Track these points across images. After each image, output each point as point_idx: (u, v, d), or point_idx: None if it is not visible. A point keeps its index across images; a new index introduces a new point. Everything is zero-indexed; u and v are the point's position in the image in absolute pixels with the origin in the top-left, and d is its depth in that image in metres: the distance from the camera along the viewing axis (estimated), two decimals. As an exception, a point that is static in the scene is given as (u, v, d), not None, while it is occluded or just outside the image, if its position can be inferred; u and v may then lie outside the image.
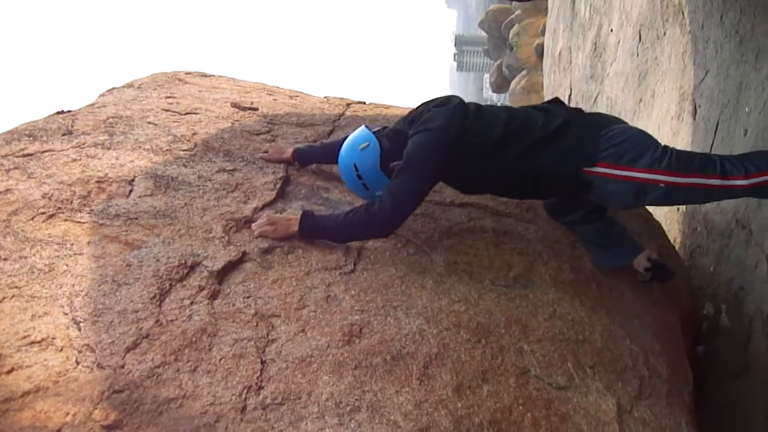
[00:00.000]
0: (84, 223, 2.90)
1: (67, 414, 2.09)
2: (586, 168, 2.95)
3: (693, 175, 2.86)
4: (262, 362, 2.35)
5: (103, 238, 2.82)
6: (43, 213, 2.91)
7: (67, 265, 2.67)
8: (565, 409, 2.50)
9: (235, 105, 4.11)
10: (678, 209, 4.79)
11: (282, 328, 2.51)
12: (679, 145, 5.02)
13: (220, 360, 2.34)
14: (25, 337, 2.33)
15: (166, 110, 3.92)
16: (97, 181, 3.15)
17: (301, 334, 2.49)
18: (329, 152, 3.33)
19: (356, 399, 2.29)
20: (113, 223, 2.90)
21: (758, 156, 2.93)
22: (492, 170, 3.02)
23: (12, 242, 2.74)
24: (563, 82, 9.81)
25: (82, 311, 2.47)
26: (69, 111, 3.94)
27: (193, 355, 2.34)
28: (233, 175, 3.34)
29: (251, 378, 2.28)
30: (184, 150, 3.48)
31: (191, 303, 2.55)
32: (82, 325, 2.41)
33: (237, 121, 3.87)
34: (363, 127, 3.18)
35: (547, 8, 12.57)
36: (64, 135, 3.56)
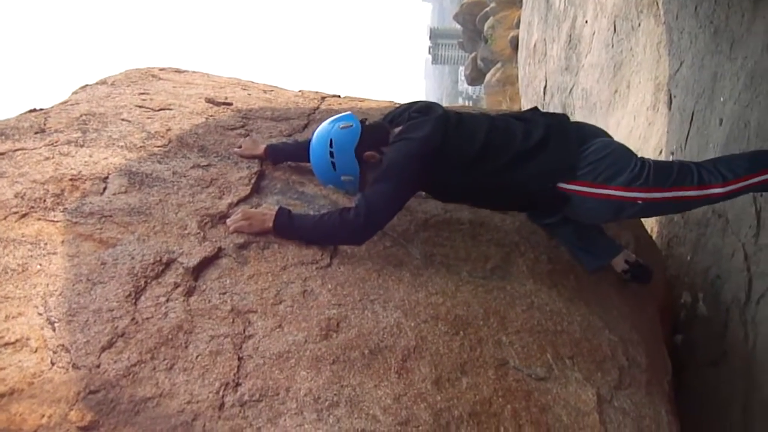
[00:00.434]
0: (57, 221, 2.86)
1: (43, 416, 2.06)
2: (564, 184, 2.91)
3: (671, 189, 2.85)
4: (239, 359, 2.34)
5: (77, 237, 2.78)
6: (15, 212, 2.87)
7: (40, 264, 2.63)
8: (545, 400, 2.50)
9: (209, 100, 4.08)
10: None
11: (259, 323, 2.49)
12: (654, 135, 5.04)
13: (197, 357, 2.32)
14: (-2, 339, 2.30)
15: (140, 107, 3.88)
16: (71, 179, 3.11)
17: (278, 330, 2.47)
18: (302, 150, 3.25)
19: (335, 394, 2.28)
20: (87, 222, 2.86)
21: (734, 161, 2.92)
22: (471, 182, 2.97)
23: (-16, 242, 2.70)
24: (538, 74, 9.84)
25: (57, 311, 2.43)
26: (41, 109, 3.89)
27: (169, 353, 2.32)
28: (208, 170, 3.32)
29: (228, 375, 2.27)
30: (158, 146, 3.45)
31: (167, 300, 2.53)
32: (56, 325, 2.38)
33: (211, 116, 3.84)
34: (348, 112, 3.16)
35: (521, 1, 12.61)
36: (36, 133, 3.51)
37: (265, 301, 2.59)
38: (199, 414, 2.13)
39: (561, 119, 3.16)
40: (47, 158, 3.24)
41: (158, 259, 2.69)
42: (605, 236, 3.44)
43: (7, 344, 2.28)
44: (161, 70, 4.61)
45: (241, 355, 2.35)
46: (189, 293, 2.58)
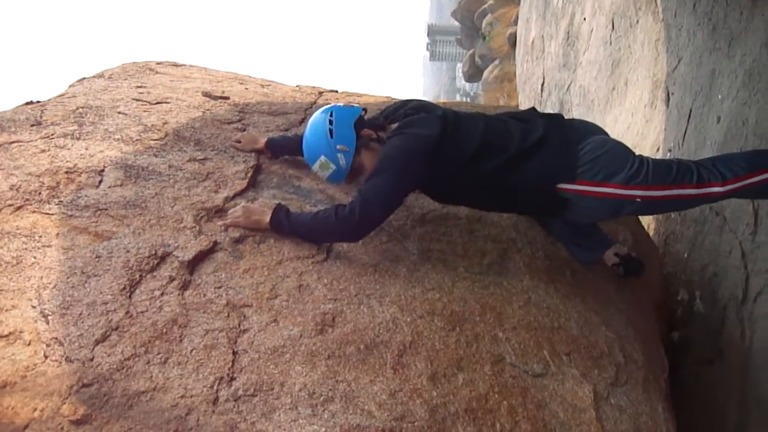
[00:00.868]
0: (53, 214, 2.85)
1: (35, 409, 2.06)
2: (564, 185, 2.88)
3: (670, 187, 2.83)
4: (234, 353, 2.33)
5: (72, 230, 2.77)
6: (10, 205, 2.86)
7: (35, 257, 2.62)
8: (542, 396, 2.50)
9: (206, 94, 4.06)
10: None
11: (254, 318, 2.49)
12: (652, 132, 5.03)
13: (191, 351, 2.31)
14: (-8, 332, 2.29)
15: (137, 100, 3.87)
16: (66, 172, 3.09)
17: (273, 324, 2.46)
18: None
19: (329, 389, 2.28)
20: (82, 215, 2.85)
21: (733, 160, 2.90)
22: (468, 183, 2.94)
23: (-21, 235, 2.69)
24: (536, 71, 9.83)
25: (51, 304, 2.42)
26: (38, 101, 3.88)
27: (163, 347, 2.31)
28: (204, 164, 3.30)
29: (223, 369, 2.26)
30: (154, 139, 3.43)
31: (162, 294, 2.52)
32: (50, 318, 2.37)
33: (208, 110, 3.83)
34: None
35: (520, -2, 12.60)
36: (32, 126, 3.50)
37: (261, 296, 2.58)
38: (192, 408, 2.12)
39: (558, 119, 3.13)
40: (43, 151, 3.23)
41: (153, 252, 2.68)
42: (598, 230, 3.43)
43: (0, 337, 2.27)
44: (158, 63, 4.60)
45: (235, 350, 2.34)
46: (184, 287, 2.58)
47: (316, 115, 3.05)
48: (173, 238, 2.79)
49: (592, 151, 2.87)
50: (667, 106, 4.79)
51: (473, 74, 20.53)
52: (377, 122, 3.09)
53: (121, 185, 3.05)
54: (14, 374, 2.15)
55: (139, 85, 4.12)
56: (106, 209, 2.89)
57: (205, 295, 2.55)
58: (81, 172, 3.11)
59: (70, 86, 4.20)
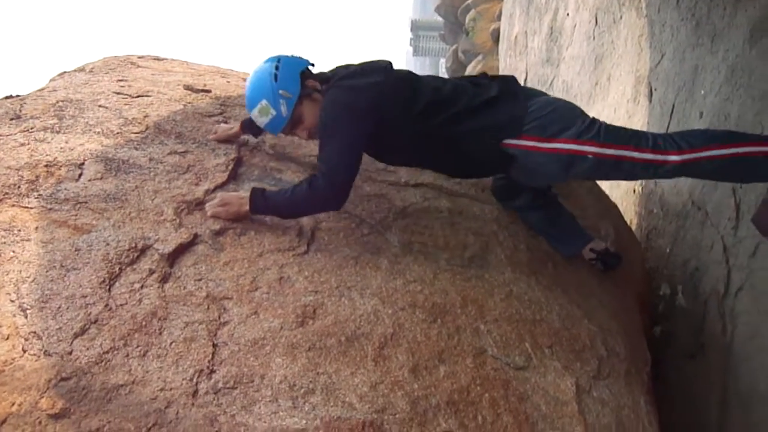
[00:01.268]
0: (32, 208, 2.83)
1: (13, 404, 2.04)
2: (510, 140, 2.86)
3: (623, 147, 2.78)
4: (214, 345, 2.31)
5: (51, 223, 2.75)
6: (-11, 199, 2.84)
7: (13, 251, 2.60)
8: (524, 389, 2.49)
9: (187, 87, 4.04)
10: (634, 190, 4.82)
11: (234, 310, 2.47)
12: (635, 127, 5.04)
13: (171, 344, 2.29)
14: (-31, 326, 2.27)
15: (118, 93, 3.84)
16: (46, 166, 3.07)
17: (253, 317, 2.45)
18: None
19: (310, 381, 2.26)
20: (62, 208, 2.83)
21: (692, 134, 2.87)
22: (415, 137, 2.92)
23: (-43, 230, 2.67)
24: (519, 66, 9.84)
25: (29, 298, 2.40)
26: (17, 95, 3.85)
27: (143, 340, 2.29)
28: (185, 157, 3.28)
29: (203, 362, 2.24)
30: (135, 133, 3.41)
31: (141, 287, 2.50)
32: (28, 312, 2.35)
33: (189, 103, 3.80)
34: None
35: (503, -7, 12.58)
36: (11, 119, 3.47)
37: (241, 288, 2.57)
38: (172, 401, 2.11)
39: (509, 80, 3.12)
40: (22, 144, 3.20)
41: (133, 245, 2.66)
42: (576, 225, 3.44)
43: (-22, 332, 2.26)
44: (140, 57, 4.57)
45: (215, 342, 2.33)
46: (164, 280, 2.56)
47: (263, 61, 3.04)
48: (153, 231, 2.77)
49: (541, 108, 2.87)
50: (650, 101, 4.80)
51: (456, 69, 20.50)
52: (324, 76, 3.07)
53: (101, 178, 3.03)
54: (-8, 368, 2.14)
55: (120, 78, 4.09)
56: (85, 202, 2.87)
57: (185, 288, 2.53)
58: (61, 166, 3.08)
59: (50, 80, 4.17)
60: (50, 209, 2.81)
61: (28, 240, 2.66)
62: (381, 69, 2.99)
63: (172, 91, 3.96)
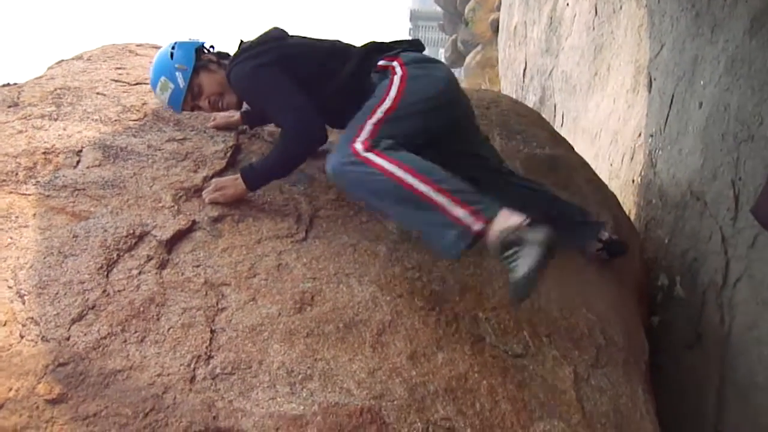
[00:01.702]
0: (30, 195, 2.82)
1: (10, 389, 2.04)
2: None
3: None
4: (212, 331, 2.31)
5: (49, 210, 2.75)
6: (-14, 186, 2.84)
7: (11, 238, 2.60)
8: (522, 376, 2.49)
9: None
10: (633, 181, 4.81)
11: (232, 296, 2.47)
12: (634, 118, 5.04)
13: (169, 330, 2.29)
14: (-33, 312, 2.27)
15: (116, 81, 3.83)
16: (44, 153, 3.07)
17: (251, 303, 2.45)
18: None
19: (308, 367, 2.26)
20: (60, 195, 2.83)
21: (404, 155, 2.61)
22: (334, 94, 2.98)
23: (-46, 216, 2.67)
24: (518, 56, 9.82)
25: (27, 284, 2.40)
26: (15, 84, 3.84)
27: (140, 326, 2.29)
28: (183, 144, 3.27)
29: (200, 347, 2.24)
30: (133, 120, 3.41)
31: (139, 273, 2.50)
32: (26, 298, 2.35)
33: (188, 90, 3.79)
34: None
35: (503, -17, 12.56)
36: (9, 107, 3.46)
37: (239, 274, 2.56)
38: (169, 387, 2.11)
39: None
40: (20, 131, 3.20)
41: (131, 231, 2.66)
42: (582, 212, 3.41)
43: (-25, 318, 2.26)
44: (138, 45, 4.55)
45: (213, 328, 2.33)
46: (162, 266, 2.56)
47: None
48: (151, 217, 2.76)
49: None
50: (650, 91, 4.79)
51: (455, 60, 20.48)
52: (222, 53, 3.26)
53: (99, 165, 3.02)
54: (-11, 354, 2.13)
55: (119, 66, 4.08)
56: (83, 189, 2.87)
57: (183, 274, 2.53)
58: (59, 153, 3.08)
59: (48, 68, 4.16)
60: (48, 196, 2.81)
61: (26, 226, 2.66)
62: (273, 34, 3.13)
63: (170, 79, 3.95)
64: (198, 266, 2.58)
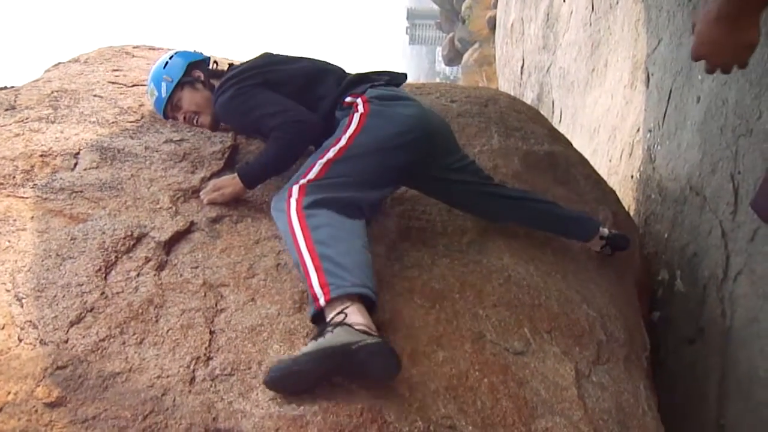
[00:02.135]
0: (27, 198, 2.82)
1: (9, 393, 2.03)
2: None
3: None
4: (211, 332, 2.30)
5: (47, 213, 2.74)
6: (-16, 189, 2.83)
7: (9, 241, 2.59)
8: (523, 374, 2.48)
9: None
10: (632, 176, 4.81)
11: (231, 297, 2.46)
12: (632, 113, 5.04)
13: (168, 331, 2.28)
14: (-35, 316, 2.26)
15: (113, 83, 3.83)
16: (41, 155, 3.06)
17: (250, 303, 2.44)
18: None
19: (308, 368, 2.24)
20: (57, 197, 2.83)
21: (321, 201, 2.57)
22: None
23: (-49, 221, 2.66)
24: (515, 53, 9.83)
25: (25, 287, 2.39)
26: (12, 87, 3.84)
27: (139, 328, 2.28)
28: (181, 145, 3.27)
29: (199, 349, 2.23)
30: (130, 122, 3.40)
31: (138, 275, 2.49)
32: (24, 301, 2.34)
33: (185, 92, 3.79)
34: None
35: (499, -19, 12.56)
36: (6, 110, 3.46)
37: (238, 275, 2.55)
38: (169, 389, 2.09)
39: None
40: (17, 135, 3.20)
41: (129, 233, 2.65)
42: (574, 211, 3.39)
43: (-27, 322, 2.25)
44: (135, 47, 4.55)
45: (212, 329, 2.31)
46: (160, 267, 2.55)
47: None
48: (149, 219, 2.76)
49: None
50: (647, 86, 4.79)
51: (453, 58, 20.54)
52: (217, 72, 3.34)
53: (96, 167, 3.02)
54: (-13, 358, 2.13)
55: (116, 68, 4.08)
56: (81, 191, 2.86)
57: (181, 275, 2.52)
58: (56, 155, 3.08)
59: (45, 71, 4.16)
60: (46, 199, 2.81)
61: (24, 230, 2.65)
62: (258, 62, 3.18)
63: (167, 80, 3.95)
64: (196, 267, 2.57)
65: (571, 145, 4.27)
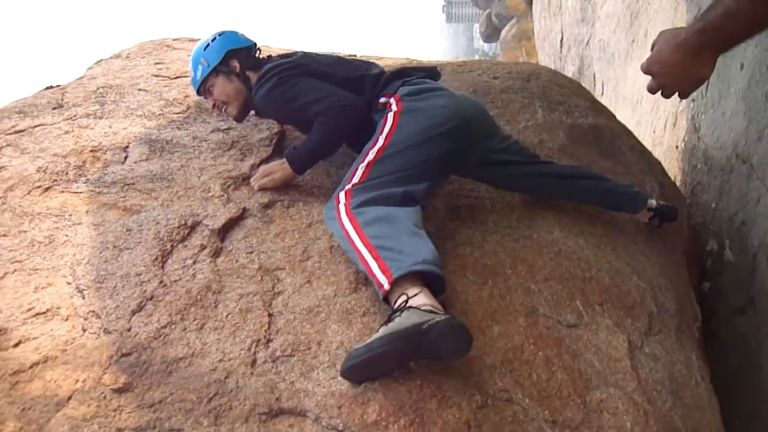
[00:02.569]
0: (81, 192, 2.89)
1: (77, 381, 2.09)
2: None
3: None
4: (270, 315, 2.34)
5: (101, 206, 2.81)
6: (39, 186, 2.91)
7: (66, 235, 2.66)
8: (576, 346, 2.49)
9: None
10: (677, 147, 4.77)
11: (287, 280, 2.49)
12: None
13: (227, 316, 2.33)
14: (29, 310, 2.34)
15: (156, 76, 3.89)
16: (91, 151, 3.13)
17: (307, 285, 2.47)
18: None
19: (366, 346, 2.26)
20: (110, 191, 2.89)
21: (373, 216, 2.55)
22: None
23: (10, 218, 2.74)
24: (554, 27, 9.74)
25: (85, 279, 2.46)
26: (58, 86, 3.91)
27: (199, 313, 2.33)
28: (228, 133, 3.31)
29: (259, 332, 2.27)
30: (176, 113, 3.46)
31: (194, 262, 2.54)
32: (85, 292, 2.41)
33: (229, 81, 3.83)
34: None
35: (535, -45, 12.44)
36: (54, 109, 3.53)
37: (293, 258, 2.59)
38: (231, 371, 2.14)
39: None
40: (67, 132, 3.27)
41: (183, 222, 2.70)
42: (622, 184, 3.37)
43: (38, 314, 2.33)
44: (175, 40, 4.60)
45: (271, 312, 2.35)
46: (216, 254, 2.60)
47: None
48: (202, 207, 2.81)
49: None
50: (689, 55, 4.72)
51: (491, 34, 20.36)
52: (255, 63, 3.29)
53: (146, 159, 3.08)
54: (54, 349, 2.19)
55: (158, 61, 4.13)
56: (133, 184, 2.92)
57: (237, 261, 2.57)
58: (106, 150, 3.14)
59: (88, 69, 4.23)
60: (99, 192, 2.87)
61: (80, 224, 2.72)
62: (296, 59, 3.16)
63: (210, 71, 3.99)
64: (251, 252, 2.61)
65: (615, 117, 4.24)
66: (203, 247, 2.60)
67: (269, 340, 2.25)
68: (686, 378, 2.70)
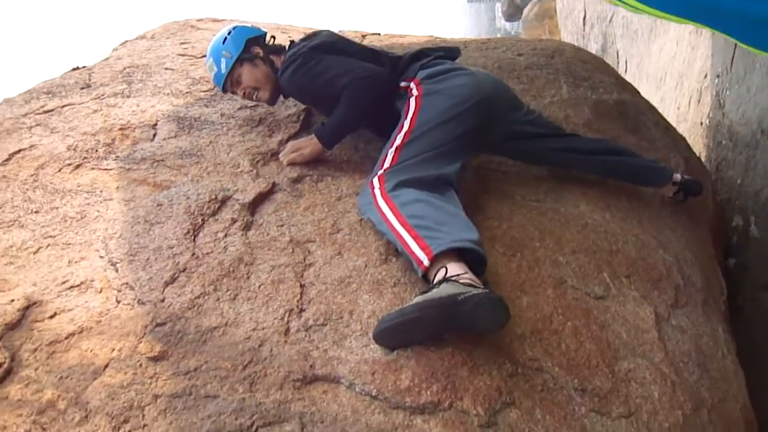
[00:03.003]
0: (111, 169, 2.92)
1: (113, 350, 2.12)
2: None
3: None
4: (302, 286, 2.37)
5: (131, 182, 2.84)
6: (69, 164, 2.95)
7: (98, 211, 2.70)
8: (604, 317, 2.50)
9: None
10: (701, 123, 4.75)
11: (318, 252, 2.52)
12: (698, 59, 4.96)
13: (259, 287, 2.36)
14: (64, 283, 2.37)
15: (182, 55, 3.92)
16: (120, 129, 3.16)
17: (337, 257, 2.49)
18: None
19: (398, 315, 2.29)
20: (140, 167, 2.92)
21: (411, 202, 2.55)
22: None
23: (42, 195, 2.78)
24: (577, 5, 9.68)
25: (118, 252, 2.50)
26: (84, 66, 3.95)
27: (231, 284, 2.36)
28: (255, 110, 3.34)
29: (292, 302, 2.30)
30: (204, 91, 3.48)
31: (225, 235, 2.57)
32: (118, 265, 2.44)
33: (254, 59, 3.86)
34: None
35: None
36: (82, 89, 3.57)
37: (323, 231, 2.62)
38: (265, 340, 2.17)
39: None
40: (95, 111, 3.30)
41: (213, 197, 2.73)
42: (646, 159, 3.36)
43: (72, 287, 2.36)
44: (199, 20, 4.63)
45: (302, 283, 2.38)
46: (247, 227, 2.63)
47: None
48: (232, 182, 2.84)
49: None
50: (713, 32, 4.70)
51: (513, 13, 20.24)
52: (276, 48, 3.32)
53: (175, 137, 3.11)
54: (89, 320, 2.22)
55: (183, 41, 4.17)
56: (162, 160, 2.95)
57: (268, 234, 2.59)
58: (135, 128, 3.18)
59: (113, 50, 4.26)
60: (129, 169, 2.91)
61: (111, 199, 2.76)
62: (320, 40, 3.19)
63: (235, 50, 4.02)
64: (282, 225, 2.64)
65: (639, 93, 4.23)
66: (234, 221, 2.63)
67: (302, 310, 2.28)
68: (713, 350, 2.70)
